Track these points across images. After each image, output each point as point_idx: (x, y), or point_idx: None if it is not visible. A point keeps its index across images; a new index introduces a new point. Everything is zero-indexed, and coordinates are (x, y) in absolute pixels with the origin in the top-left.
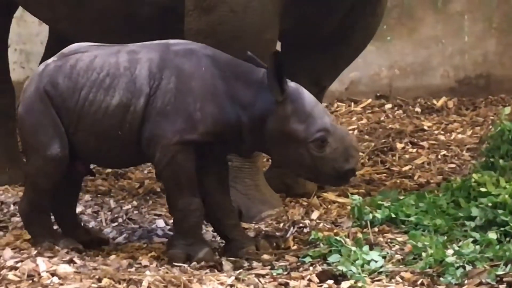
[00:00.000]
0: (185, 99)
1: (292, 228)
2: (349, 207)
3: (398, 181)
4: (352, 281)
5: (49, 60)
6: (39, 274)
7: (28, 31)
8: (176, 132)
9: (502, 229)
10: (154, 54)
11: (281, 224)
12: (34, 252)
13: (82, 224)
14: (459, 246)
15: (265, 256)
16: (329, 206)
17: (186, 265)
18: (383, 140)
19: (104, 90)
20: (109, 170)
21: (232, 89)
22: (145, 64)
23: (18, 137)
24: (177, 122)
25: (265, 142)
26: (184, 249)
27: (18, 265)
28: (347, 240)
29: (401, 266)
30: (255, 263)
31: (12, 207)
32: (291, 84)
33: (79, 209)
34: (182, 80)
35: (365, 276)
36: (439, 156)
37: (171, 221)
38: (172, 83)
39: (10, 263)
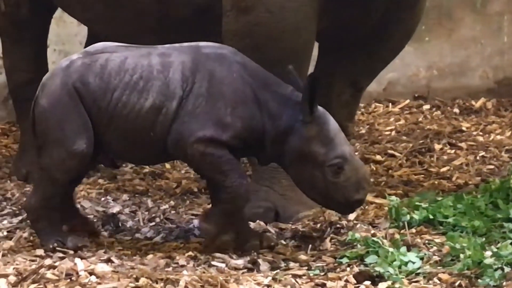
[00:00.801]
0: (216, 103)
1: (329, 228)
2: (386, 208)
3: (436, 182)
4: (389, 282)
5: (74, 57)
6: (77, 273)
7: (67, 31)
8: (205, 130)
9: None
10: (186, 57)
11: (318, 225)
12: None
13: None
14: (497, 248)
15: (302, 257)
16: (367, 207)
17: (223, 265)
18: (421, 141)
19: (137, 93)
20: (146, 170)
21: (261, 98)
22: (178, 67)
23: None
24: (207, 125)
25: (284, 156)
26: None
27: (57, 263)
28: (385, 241)
29: (438, 267)
30: (292, 264)
31: None
32: (320, 108)
33: (117, 208)
34: (214, 85)
35: (403, 278)
36: (478, 157)
37: None
38: (203, 87)
39: (48, 262)
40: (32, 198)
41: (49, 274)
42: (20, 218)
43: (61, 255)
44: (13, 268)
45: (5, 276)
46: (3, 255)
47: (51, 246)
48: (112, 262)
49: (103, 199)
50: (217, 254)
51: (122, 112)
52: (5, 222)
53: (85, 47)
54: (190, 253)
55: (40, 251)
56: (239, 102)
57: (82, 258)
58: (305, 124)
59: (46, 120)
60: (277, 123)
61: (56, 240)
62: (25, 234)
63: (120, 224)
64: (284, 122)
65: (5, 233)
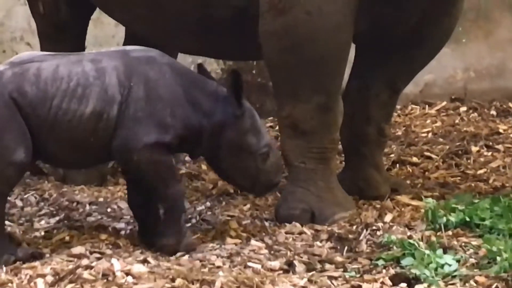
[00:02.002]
0: (155, 105)
1: (365, 230)
2: (422, 210)
3: (473, 184)
4: (425, 285)
5: (0, 68)
6: (113, 273)
7: (104, 32)
8: (150, 135)
9: None
10: (117, 62)
11: (354, 227)
12: (109, 251)
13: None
14: None
15: (338, 259)
16: (403, 209)
17: (259, 266)
18: (458, 143)
19: (77, 99)
20: (183, 171)
21: (193, 97)
22: (112, 72)
23: None
24: (150, 127)
25: (220, 149)
26: (176, 237)
27: (93, 264)
28: (421, 243)
29: (475, 270)
30: (327, 265)
31: (87, 207)
32: (245, 102)
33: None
34: (150, 87)
35: (439, 280)
36: None
37: (244, 222)
38: (141, 91)
39: (85, 262)
40: None
41: (86, 274)
42: (57, 218)
43: (98, 255)
44: (51, 268)
45: (43, 276)
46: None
47: (4, 262)
48: (149, 262)
49: None
50: (253, 255)
51: (64, 119)
52: (42, 222)
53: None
54: (225, 254)
55: (77, 251)
56: (176, 102)
57: (118, 259)
58: (237, 118)
59: None
60: (212, 119)
61: (8, 254)
62: (63, 235)
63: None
64: (218, 118)
65: (43, 233)
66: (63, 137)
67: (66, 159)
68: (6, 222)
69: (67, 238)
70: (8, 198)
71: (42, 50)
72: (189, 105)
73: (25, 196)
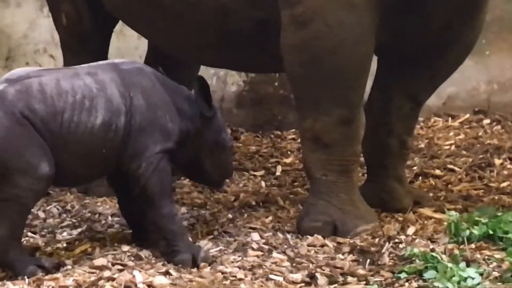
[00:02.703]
0: (155, 113)
1: (387, 243)
2: (445, 223)
3: (496, 197)
4: None
5: None
6: (135, 285)
7: (127, 45)
8: (156, 143)
9: None
10: (112, 74)
11: (377, 239)
12: (131, 263)
13: None
14: None
15: (360, 271)
16: (425, 222)
17: (281, 279)
18: (481, 156)
19: (86, 112)
20: None
21: (178, 103)
22: (111, 84)
23: None
24: (155, 134)
25: (200, 151)
26: (188, 251)
27: (115, 276)
28: (444, 256)
29: (498, 283)
30: (349, 278)
31: (109, 219)
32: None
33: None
34: (147, 96)
35: None
36: None
37: (266, 234)
38: (140, 100)
39: (107, 273)
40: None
41: (108, 286)
42: (79, 230)
43: (120, 267)
44: (73, 280)
45: (65, 287)
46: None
47: (29, 274)
48: (170, 274)
49: None
50: (275, 268)
51: (76, 132)
52: (64, 234)
53: (145, 60)
54: (247, 266)
55: (99, 263)
56: (170, 109)
57: (140, 270)
58: (211, 118)
59: (2, 153)
60: (193, 123)
61: (34, 266)
62: (85, 246)
63: None
64: (197, 120)
65: (65, 245)
66: (77, 151)
67: (78, 173)
68: (29, 234)
69: (89, 249)
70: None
71: (65, 62)
72: (177, 111)
73: (48, 207)
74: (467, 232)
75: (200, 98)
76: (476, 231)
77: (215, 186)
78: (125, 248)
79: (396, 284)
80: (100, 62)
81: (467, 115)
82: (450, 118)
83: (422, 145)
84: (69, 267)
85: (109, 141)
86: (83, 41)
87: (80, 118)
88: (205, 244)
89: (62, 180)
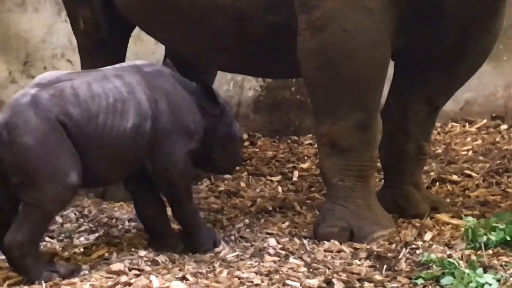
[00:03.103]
0: (179, 115)
1: (404, 249)
2: (462, 229)
3: None
4: None
5: (31, 91)
6: None
7: (144, 49)
8: (181, 145)
9: None
10: (137, 77)
11: (393, 245)
12: (148, 268)
13: None
14: None
15: (377, 277)
16: (442, 228)
17: (297, 284)
18: (498, 162)
19: (119, 115)
20: (221, 188)
21: (197, 101)
22: (138, 87)
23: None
24: (179, 137)
25: (214, 146)
26: (210, 239)
27: (132, 280)
28: (461, 262)
29: None
30: (366, 284)
31: (126, 224)
32: (220, 98)
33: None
34: (170, 99)
35: None
36: None
37: (283, 239)
38: (164, 103)
39: (124, 278)
40: (19, 234)
41: None
42: (96, 235)
43: (136, 272)
44: (90, 285)
45: None
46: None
47: (45, 279)
48: (187, 279)
49: None
50: (291, 273)
51: (110, 135)
52: (82, 239)
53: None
54: (264, 271)
55: (116, 267)
56: (192, 109)
57: (157, 275)
58: (222, 113)
59: (34, 158)
60: (208, 119)
61: (49, 271)
62: (102, 251)
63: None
64: (212, 116)
65: (82, 250)
66: (109, 154)
67: (107, 176)
68: (46, 239)
69: (106, 254)
70: None
71: (82, 66)
72: (198, 109)
73: (65, 212)
74: (484, 238)
75: (205, 100)
76: (493, 237)
77: (224, 173)
78: (142, 253)
79: None
80: (123, 64)
81: (485, 121)
82: (467, 123)
83: (439, 151)
84: (86, 272)
85: (136, 144)
86: (100, 46)
87: (114, 122)
88: (222, 248)
89: (87, 182)
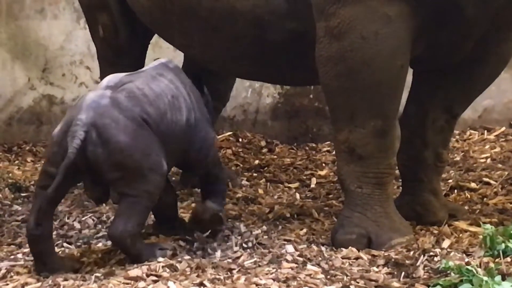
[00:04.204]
0: (201, 106)
1: (422, 256)
2: (481, 236)
3: None
4: None
5: (107, 93)
6: None
7: (163, 56)
8: (210, 132)
9: None
10: (172, 74)
11: (411, 252)
12: (166, 274)
13: None
14: None
15: (395, 284)
16: (461, 235)
17: None
18: None
19: (178, 110)
20: (239, 195)
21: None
22: (177, 83)
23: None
24: (208, 125)
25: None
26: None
27: (150, 287)
28: (479, 269)
29: None
30: None
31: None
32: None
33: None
34: (193, 90)
35: None
36: None
37: (301, 246)
38: (192, 96)
39: (142, 284)
40: (129, 225)
41: None
42: None
43: (154, 278)
44: None
45: None
46: (97, 278)
47: (161, 255)
48: (205, 286)
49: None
50: (309, 280)
51: (175, 131)
52: (100, 244)
53: None
54: (281, 278)
55: (133, 273)
56: (201, 100)
57: (175, 282)
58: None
59: (133, 154)
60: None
61: (160, 249)
62: (120, 257)
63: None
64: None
65: (100, 255)
66: (173, 149)
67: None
68: (64, 244)
69: (124, 260)
70: (66, 220)
71: (101, 73)
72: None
73: (83, 218)
74: (503, 245)
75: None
76: (511, 244)
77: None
78: (160, 259)
79: None
80: (155, 63)
81: (503, 128)
82: (485, 131)
83: (458, 158)
84: (103, 277)
85: (186, 135)
86: (120, 53)
87: (176, 117)
88: (240, 255)
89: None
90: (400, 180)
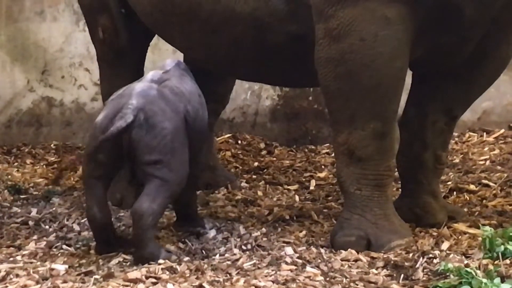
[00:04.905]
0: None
1: (421, 258)
2: (480, 238)
3: None
4: None
5: (154, 86)
6: None
7: (162, 58)
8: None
9: None
10: (189, 74)
11: (411, 254)
12: (165, 276)
13: None
14: None
15: (394, 286)
16: (460, 237)
17: None
18: None
19: (204, 108)
20: (239, 197)
21: None
22: (193, 81)
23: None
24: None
25: None
26: None
27: None
28: (478, 271)
29: None
30: None
31: None
32: None
33: (212, 234)
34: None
35: None
36: None
37: (300, 248)
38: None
39: (141, 287)
40: (154, 204)
41: None
42: None
43: (153, 280)
44: None
45: None
46: (97, 280)
47: (164, 257)
48: None
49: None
50: (308, 282)
51: (204, 126)
52: None
53: None
54: (281, 280)
55: (132, 275)
56: None
57: (174, 284)
58: None
59: (173, 141)
60: None
61: (167, 252)
62: (119, 259)
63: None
64: None
65: (99, 257)
66: (199, 146)
67: None
68: (64, 246)
69: (123, 262)
70: (66, 222)
71: (101, 75)
72: None
73: (82, 220)
74: (502, 247)
75: None
76: (510, 246)
77: None
78: (160, 261)
79: None
80: (168, 64)
81: (502, 130)
82: (485, 133)
83: (457, 160)
84: (102, 279)
85: (206, 130)
86: (119, 55)
87: (204, 114)
88: (239, 257)
89: None
90: (400, 182)
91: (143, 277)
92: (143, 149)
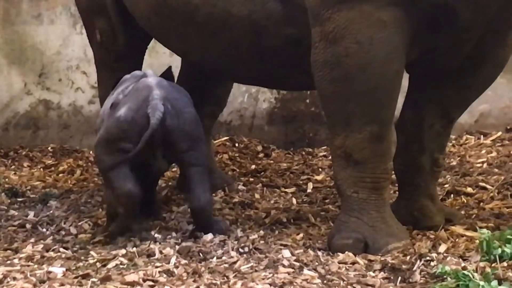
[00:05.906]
0: None
1: (419, 261)
2: (477, 241)
3: None
4: None
5: (162, 79)
6: None
7: (159, 61)
8: None
9: None
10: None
11: (408, 257)
12: (162, 279)
13: None
14: None
15: None
16: (457, 240)
17: None
18: None
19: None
20: (236, 200)
21: None
22: None
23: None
24: None
25: None
26: None
27: None
28: (475, 274)
29: None
30: None
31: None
32: None
33: (209, 237)
34: None
35: None
36: None
37: (297, 251)
38: None
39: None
40: (207, 193)
41: None
42: (111, 245)
43: (151, 283)
44: None
45: None
46: (94, 283)
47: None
48: None
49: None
50: (306, 285)
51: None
52: (96, 249)
53: (178, 77)
54: (278, 283)
55: (130, 278)
56: None
57: (171, 287)
58: None
59: (197, 125)
60: None
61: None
62: (116, 262)
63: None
64: None
65: (96, 260)
66: None
67: None
68: (61, 249)
69: (120, 265)
70: (63, 225)
71: (99, 78)
72: None
73: (79, 223)
74: (499, 250)
75: None
76: (508, 249)
77: None
78: (157, 264)
79: None
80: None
81: (499, 133)
82: (482, 136)
83: (454, 163)
84: (99, 282)
85: None
86: (117, 58)
87: None
88: (236, 259)
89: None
90: (397, 185)
91: (141, 280)
92: (178, 137)
